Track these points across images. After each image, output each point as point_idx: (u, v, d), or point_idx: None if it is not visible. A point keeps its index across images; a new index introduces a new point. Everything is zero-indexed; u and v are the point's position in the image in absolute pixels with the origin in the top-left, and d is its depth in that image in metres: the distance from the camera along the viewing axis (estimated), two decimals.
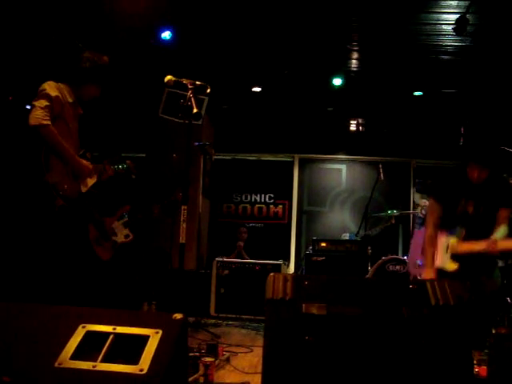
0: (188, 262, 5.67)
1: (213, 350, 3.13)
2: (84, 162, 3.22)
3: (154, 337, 1.58)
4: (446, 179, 3.54)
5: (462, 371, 1.71)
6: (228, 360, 3.22)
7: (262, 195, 8.29)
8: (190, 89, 2.90)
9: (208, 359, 2.73)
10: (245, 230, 7.36)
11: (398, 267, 5.67)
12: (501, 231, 3.21)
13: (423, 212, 5.82)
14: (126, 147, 6.43)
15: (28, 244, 3.24)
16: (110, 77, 3.35)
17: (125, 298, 4.62)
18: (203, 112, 6.25)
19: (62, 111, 3.08)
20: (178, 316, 1.66)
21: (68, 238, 3.11)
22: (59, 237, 3.06)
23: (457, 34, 5.16)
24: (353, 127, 8.03)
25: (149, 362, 1.49)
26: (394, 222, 6.17)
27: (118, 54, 4.14)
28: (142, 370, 1.48)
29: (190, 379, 2.57)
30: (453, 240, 3.32)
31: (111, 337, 1.59)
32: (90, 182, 3.29)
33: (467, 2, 4.82)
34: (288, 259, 7.76)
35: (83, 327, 1.63)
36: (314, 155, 8.36)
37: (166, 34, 5.62)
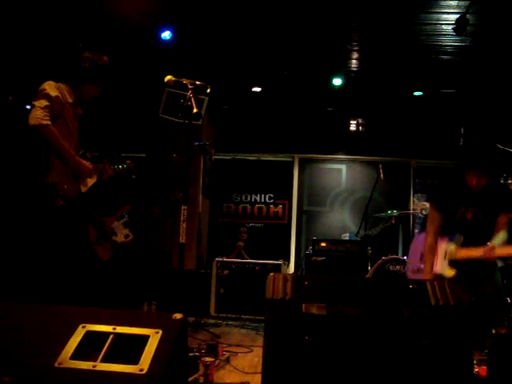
0: (188, 261, 5.67)
1: (213, 350, 3.13)
2: (84, 162, 3.22)
3: (153, 337, 1.58)
4: (445, 186, 3.54)
5: (462, 371, 1.71)
6: (228, 360, 3.22)
7: (262, 195, 8.29)
8: (190, 89, 2.90)
9: (208, 359, 2.73)
10: (245, 230, 7.35)
11: (398, 267, 5.67)
12: (499, 237, 3.22)
13: (423, 212, 5.82)
14: (126, 147, 6.43)
15: (28, 244, 3.24)
16: (110, 77, 3.35)
17: (125, 297, 4.62)
18: (203, 112, 6.25)
19: (61, 111, 3.08)
20: (178, 316, 1.66)
21: (68, 237, 3.11)
22: (59, 237, 3.06)
23: (457, 34, 5.16)
24: (353, 127, 8.03)
25: (149, 362, 1.49)
26: (393, 222, 6.17)
27: (118, 54, 4.14)
28: (141, 370, 1.48)
29: (190, 379, 2.57)
30: (451, 246, 3.33)
31: (111, 337, 1.59)
32: (90, 182, 3.29)
33: (467, 2, 4.82)
34: (288, 259, 7.76)
35: (83, 327, 1.63)
36: (314, 155, 8.36)
37: (166, 34, 5.62)
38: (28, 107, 3.03)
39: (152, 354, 1.52)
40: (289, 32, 5.64)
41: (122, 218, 3.80)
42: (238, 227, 7.44)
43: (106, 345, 1.56)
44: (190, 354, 2.91)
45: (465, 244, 3.25)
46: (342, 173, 8.34)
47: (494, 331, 1.88)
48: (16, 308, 1.74)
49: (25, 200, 3.25)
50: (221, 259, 5.58)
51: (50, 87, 3.03)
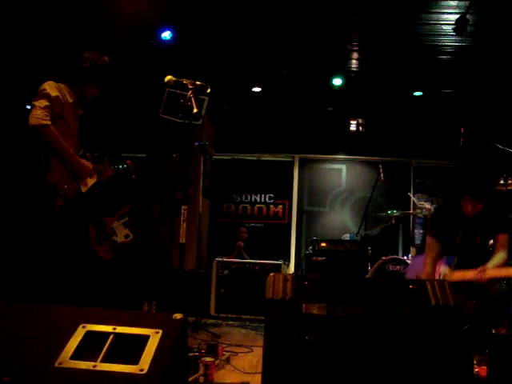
0: (188, 262, 5.67)
1: (213, 350, 3.13)
2: (84, 162, 3.22)
3: (154, 337, 1.58)
4: (442, 216, 3.56)
5: (462, 371, 1.71)
6: (228, 360, 3.22)
7: (262, 195, 8.29)
8: (190, 89, 2.90)
9: (208, 359, 2.73)
10: (245, 230, 7.35)
11: (398, 267, 5.66)
12: (497, 258, 3.23)
13: (424, 212, 5.82)
14: (126, 147, 6.43)
15: (28, 244, 3.24)
16: (110, 77, 3.35)
17: (125, 297, 4.62)
18: (203, 112, 6.25)
19: (62, 111, 3.08)
20: (178, 316, 1.66)
21: (68, 237, 3.11)
22: (59, 237, 3.06)
23: (457, 34, 5.16)
24: (353, 127, 8.03)
25: (149, 362, 1.50)
26: (394, 222, 6.17)
27: (118, 54, 4.13)
28: (142, 370, 1.48)
29: (190, 379, 2.57)
30: (444, 269, 3.35)
31: (111, 337, 1.59)
32: (90, 181, 3.29)
33: (467, 2, 4.82)
34: (288, 259, 7.76)
35: (83, 327, 1.63)
36: (314, 155, 8.36)
37: (166, 34, 5.62)
38: (28, 107, 3.03)
39: (152, 354, 1.52)
40: (289, 32, 5.64)
41: (122, 218, 3.80)
42: (238, 227, 7.44)
43: (106, 345, 1.56)
44: (190, 354, 2.91)
45: (461, 266, 3.27)
46: (342, 173, 8.35)
47: (493, 331, 1.88)
48: (16, 308, 1.74)
49: (25, 200, 3.25)
50: (221, 259, 5.58)
51: (50, 87, 3.03)
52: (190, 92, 2.88)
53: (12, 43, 5.09)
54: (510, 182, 4.39)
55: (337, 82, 6.68)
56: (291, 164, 8.37)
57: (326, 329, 1.77)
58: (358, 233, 6.54)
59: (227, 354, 3.33)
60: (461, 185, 3.36)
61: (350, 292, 1.89)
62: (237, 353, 3.49)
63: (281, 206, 8.26)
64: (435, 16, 5.14)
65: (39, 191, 2.97)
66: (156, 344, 1.55)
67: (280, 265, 5.50)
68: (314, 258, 5.86)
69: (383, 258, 5.75)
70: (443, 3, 4.91)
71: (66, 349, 1.55)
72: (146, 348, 1.54)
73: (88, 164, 3.25)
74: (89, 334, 1.61)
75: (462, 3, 4.86)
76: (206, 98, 6.20)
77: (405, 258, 5.92)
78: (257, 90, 7.13)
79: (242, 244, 7.04)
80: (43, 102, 2.94)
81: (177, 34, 5.65)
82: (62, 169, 3.06)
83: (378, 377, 1.71)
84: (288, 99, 7.34)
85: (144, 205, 4.37)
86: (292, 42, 5.88)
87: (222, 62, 6.34)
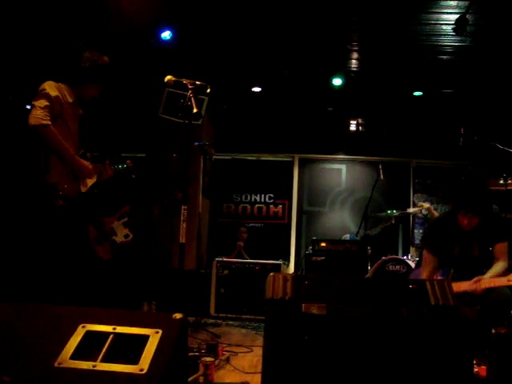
0: (188, 261, 5.66)
1: (213, 350, 3.12)
2: (84, 162, 3.22)
3: (153, 337, 1.58)
4: (438, 230, 3.54)
5: (462, 371, 1.71)
6: (228, 360, 3.22)
7: (262, 195, 8.29)
8: (190, 89, 2.90)
9: (208, 359, 2.73)
10: (245, 230, 7.35)
11: (397, 267, 5.67)
12: (495, 268, 3.23)
13: (423, 212, 5.82)
14: (126, 147, 6.43)
15: (28, 244, 3.24)
16: (110, 77, 3.35)
17: (125, 297, 4.62)
18: (203, 112, 6.25)
19: (61, 111, 3.08)
20: (178, 316, 1.66)
21: (68, 237, 3.11)
22: (59, 237, 3.06)
23: (457, 34, 5.16)
24: (353, 127, 8.03)
25: (149, 362, 1.50)
26: (393, 221, 6.17)
27: (118, 54, 4.13)
28: (141, 370, 1.48)
29: (190, 379, 2.57)
30: None
31: (111, 337, 1.59)
32: (90, 181, 3.29)
33: (467, 2, 4.82)
34: (288, 259, 7.76)
35: (83, 327, 1.63)
36: (314, 155, 8.36)
37: (166, 34, 5.62)
38: (28, 107, 3.03)
39: (152, 353, 1.52)
40: (289, 32, 5.64)
41: (121, 218, 3.81)
42: (238, 227, 7.44)
43: (106, 345, 1.57)
44: (190, 354, 2.91)
45: (459, 279, 3.26)
46: (341, 173, 8.35)
47: (493, 331, 1.89)
48: (16, 308, 1.74)
49: (25, 200, 3.25)
50: (221, 259, 5.58)
51: (50, 87, 3.04)
52: (189, 92, 2.88)
53: (12, 43, 5.09)
54: (510, 181, 4.39)
55: (337, 81, 6.68)
56: (291, 164, 8.37)
57: (325, 329, 1.77)
58: (357, 233, 6.54)
59: (227, 353, 3.32)
60: (457, 199, 3.36)
61: (349, 292, 1.89)
62: (237, 353, 3.49)
63: (281, 206, 8.26)
64: (435, 16, 5.14)
65: (39, 191, 2.97)
66: (156, 344, 1.55)
67: (280, 265, 5.50)
68: (314, 258, 5.86)
69: (383, 257, 5.76)
70: (443, 3, 4.91)
71: (66, 349, 1.55)
72: (146, 348, 1.54)
73: (88, 164, 3.25)
74: (89, 333, 1.61)
75: (461, 3, 4.86)
76: (206, 98, 6.21)
77: (404, 257, 5.93)
78: (257, 89, 7.13)
79: (241, 244, 7.05)
80: (43, 102, 2.95)
81: (177, 34, 5.64)
82: (61, 169, 3.06)
83: (378, 377, 1.71)
84: (288, 99, 7.34)
85: (144, 205, 4.37)
86: (292, 42, 5.88)
87: (222, 61, 6.34)
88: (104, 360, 1.52)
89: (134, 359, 1.51)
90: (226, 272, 5.47)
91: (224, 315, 5.29)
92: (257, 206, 8.28)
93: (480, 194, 3.29)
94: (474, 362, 2.51)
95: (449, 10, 5.01)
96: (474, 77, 6.35)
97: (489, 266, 3.29)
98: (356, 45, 5.97)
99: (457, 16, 5.02)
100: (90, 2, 4.99)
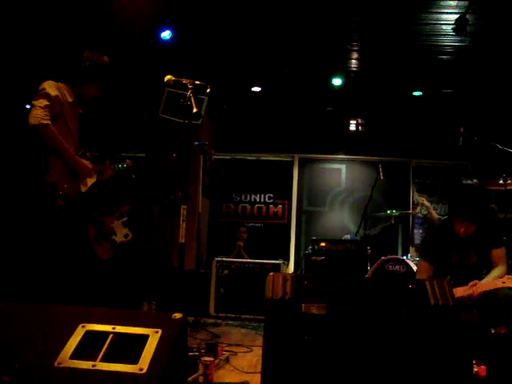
0: (188, 261, 5.65)
1: (212, 350, 3.13)
2: (84, 161, 3.22)
3: (153, 336, 1.58)
4: (435, 238, 3.54)
5: (462, 371, 1.71)
6: (227, 360, 3.22)
7: (262, 195, 8.29)
8: (190, 88, 2.90)
9: (207, 359, 2.73)
10: (244, 230, 7.35)
11: (397, 267, 5.66)
12: (493, 273, 3.23)
13: (423, 212, 5.82)
14: (126, 147, 6.43)
15: (28, 244, 3.24)
16: (109, 77, 3.35)
17: (124, 297, 4.62)
18: (203, 112, 6.25)
19: (61, 111, 3.08)
20: (178, 315, 1.66)
21: (67, 237, 3.11)
22: (59, 236, 3.06)
23: (456, 34, 5.16)
24: (352, 127, 8.02)
25: (148, 362, 1.50)
26: (393, 221, 6.17)
27: (118, 54, 4.13)
28: (141, 370, 1.48)
29: (190, 379, 2.57)
30: None
31: (111, 336, 1.59)
32: (90, 181, 3.29)
33: (467, 2, 4.82)
34: (287, 259, 7.75)
35: (83, 327, 1.63)
36: (314, 155, 8.36)
37: (166, 34, 5.62)
38: (28, 107, 3.03)
39: (151, 353, 1.52)
40: (288, 32, 5.64)
41: (121, 218, 3.80)
42: (238, 227, 7.44)
43: (106, 344, 1.57)
44: (190, 354, 2.91)
45: (454, 286, 3.26)
46: (341, 173, 8.34)
47: (493, 331, 1.88)
48: (16, 308, 1.74)
49: (25, 200, 3.25)
50: (220, 259, 5.58)
51: (50, 87, 3.04)
52: (189, 92, 2.89)
53: (12, 43, 5.09)
54: (509, 181, 4.38)
55: (336, 81, 6.69)
56: (291, 164, 8.37)
57: (325, 328, 1.77)
58: (357, 232, 6.53)
59: (227, 353, 3.33)
60: (454, 206, 3.36)
61: (349, 292, 1.89)
62: (236, 352, 3.49)
63: (280, 206, 8.26)
64: (435, 16, 5.15)
65: (39, 191, 2.97)
66: (155, 343, 1.55)
67: (279, 264, 5.50)
68: (314, 258, 5.86)
69: (383, 257, 5.75)
70: (443, 3, 4.91)
71: (66, 348, 1.55)
72: (146, 347, 1.54)
73: (88, 164, 3.25)
74: (88, 333, 1.61)
75: (461, 3, 4.86)
76: (206, 98, 6.20)
77: (404, 257, 5.92)
78: (256, 89, 7.13)
79: (241, 244, 7.04)
80: (43, 102, 2.95)
81: (177, 34, 5.65)
82: (61, 168, 3.06)
83: (378, 376, 1.71)
84: (288, 99, 7.35)
85: (144, 204, 4.37)
86: (292, 42, 5.88)
87: (222, 61, 6.34)
88: (104, 360, 1.52)
89: (134, 359, 1.51)
90: (225, 272, 5.47)
91: (224, 315, 5.29)
92: (256, 205, 8.27)
93: (477, 202, 3.29)
94: (474, 361, 2.51)
95: (449, 10, 5.01)
96: (473, 77, 6.35)
97: (486, 273, 3.29)
98: (356, 45, 5.97)
99: (457, 16, 5.02)
100: (89, 2, 4.99)
